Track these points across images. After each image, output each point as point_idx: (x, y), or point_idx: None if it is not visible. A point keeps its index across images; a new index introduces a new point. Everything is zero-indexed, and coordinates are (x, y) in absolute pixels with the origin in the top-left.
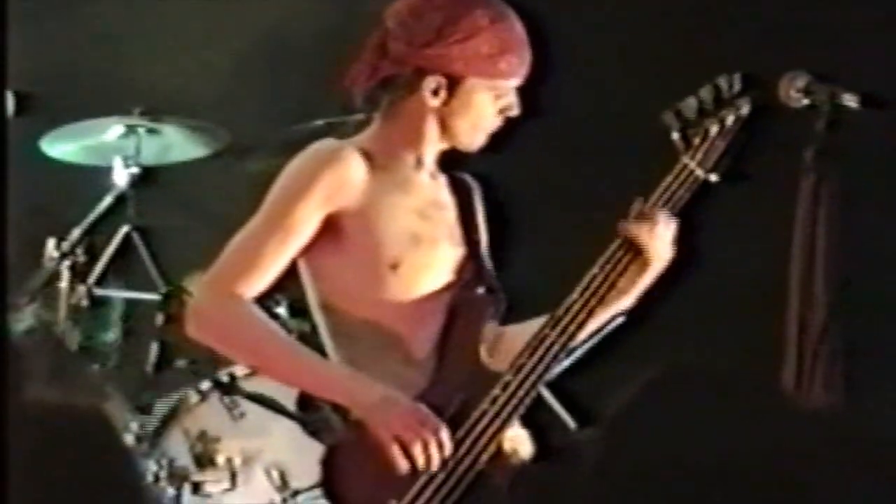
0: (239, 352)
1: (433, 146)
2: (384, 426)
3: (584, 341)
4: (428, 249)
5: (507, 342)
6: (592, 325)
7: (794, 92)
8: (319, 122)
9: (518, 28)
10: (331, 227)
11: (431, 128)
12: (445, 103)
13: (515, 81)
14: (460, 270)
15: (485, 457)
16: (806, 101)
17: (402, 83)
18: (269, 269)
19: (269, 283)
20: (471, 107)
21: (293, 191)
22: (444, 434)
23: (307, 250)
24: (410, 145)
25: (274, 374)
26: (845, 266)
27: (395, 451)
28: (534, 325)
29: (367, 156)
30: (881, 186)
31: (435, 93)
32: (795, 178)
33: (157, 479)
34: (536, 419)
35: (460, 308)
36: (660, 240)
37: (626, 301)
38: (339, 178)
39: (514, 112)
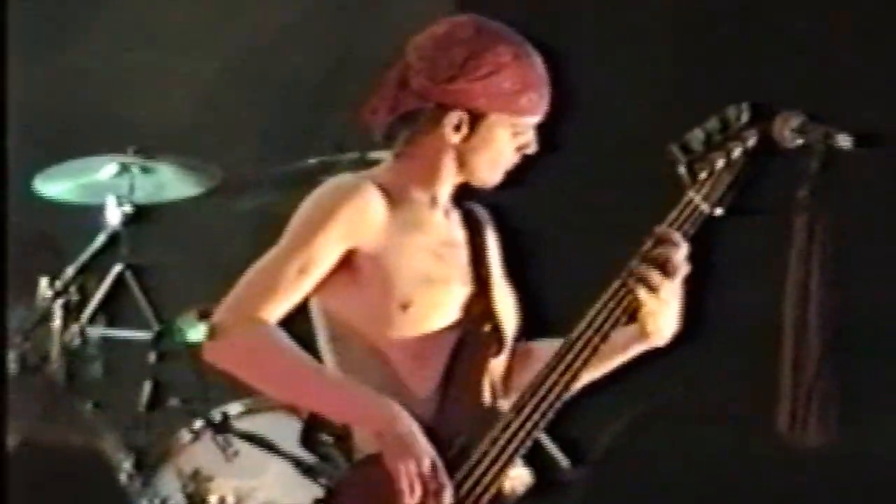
0: (259, 377)
1: (450, 183)
2: (399, 462)
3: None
4: (440, 290)
5: (525, 359)
6: (601, 366)
7: (788, 132)
8: (313, 161)
9: (539, 65)
10: (345, 265)
11: (449, 164)
12: (466, 139)
13: (535, 118)
14: (469, 309)
15: (486, 498)
16: (800, 141)
17: (424, 118)
18: (289, 297)
19: (288, 310)
20: (491, 143)
21: (314, 222)
22: (448, 488)
23: (319, 288)
24: (427, 182)
25: (298, 399)
26: (839, 305)
27: (404, 487)
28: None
29: (385, 192)
30: (874, 226)
31: (457, 128)
32: (789, 216)
33: None
34: (529, 457)
35: (466, 345)
36: (667, 312)
37: (654, 341)
38: (359, 213)
39: (532, 150)
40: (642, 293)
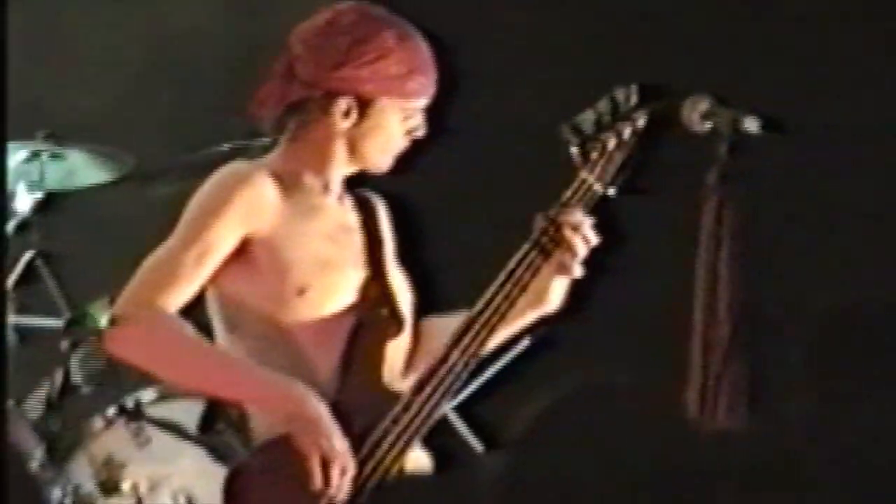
0: (161, 364)
1: (341, 169)
2: (311, 442)
3: (491, 363)
4: (335, 274)
5: (422, 340)
6: (495, 342)
7: (696, 116)
8: (225, 147)
9: (425, 48)
10: (240, 251)
11: (340, 151)
12: (355, 125)
13: (424, 101)
14: (364, 292)
15: (388, 477)
16: (708, 125)
17: (313, 106)
18: (188, 285)
19: (188, 299)
20: (381, 128)
21: (209, 209)
22: (349, 458)
23: (216, 275)
24: (319, 169)
25: (204, 385)
26: (748, 287)
27: (315, 467)
28: (446, 321)
29: (277, 179)
30: (782, 209)
31: (346, 115)
32: (697, 198)
33: None
34: (443, 442)
35: (364, 329)
36: (575, 254)
37: (545, 307)
38: (252, 199)
39: (421, 133)
40: (548, 259)
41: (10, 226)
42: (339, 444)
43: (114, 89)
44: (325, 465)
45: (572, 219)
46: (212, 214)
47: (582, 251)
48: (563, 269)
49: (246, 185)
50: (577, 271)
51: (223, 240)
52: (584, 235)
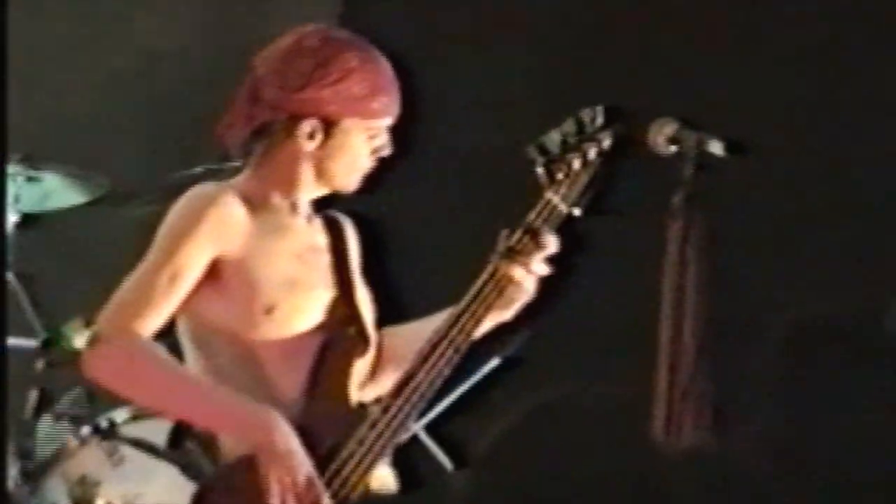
0: (137, 389)
1: (308, 190)
2: (274, 476)
3: (460, 381)
4: (303, 293)
5: (389, 357)
6: (458, 359)
7: (662, 138)
8: (199, 169)
9: (387, 69)
10: (209, 272)
11: (307, 172)
12: (321, 147)
13: (388, 121)
14: (332, 312)
15: (353, 497)
16: (674, 148)
17: (278, 129)
18: (163, 308)
19: (163, 321)
20: (346, 148)
21: (179, 232)
22: (315, 477)
23: (188, 301)
24: (286, 190)
25: (175, 411)
26: (713, 307)
27: (279, 486)
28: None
29: (246, 200)
30: (746, 230)
31: (311, 136)
32: (663, 219)
33: None
34: (412, 460)
35: (331, 348)
36: (533, 274)
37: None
38: (220, 219)
39: (387, 152)
40: (516, 273)
41: None
42: (303, 478)
43: (88, 110)
44: (291, 485)
45: (531, 236)
46: (182, 236)
47: (532, 269)
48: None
49: (214, 206)
50: (531, 281)
51: (194, 261)
52: (536, 246)
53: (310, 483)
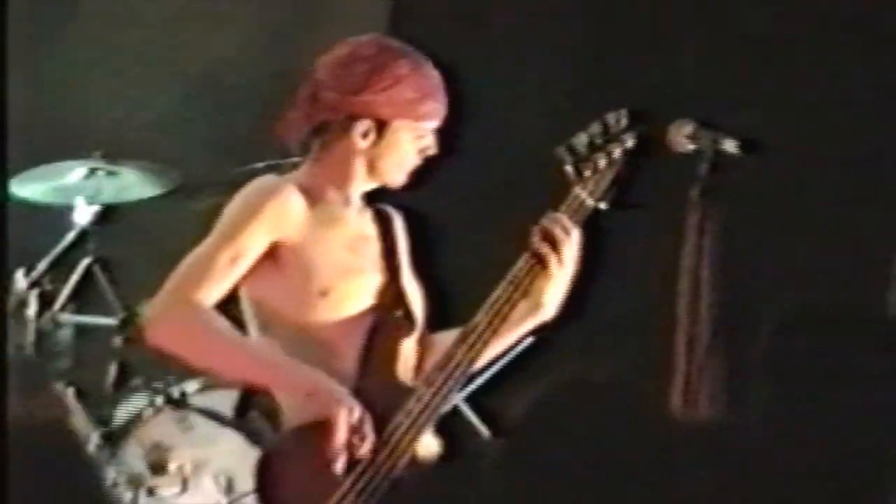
0: (197, 353)
1: (360, 185)
2: (332, 410)
3: (499, 359)
4: (354, 278)
5: (435, 347)
6: (500, 342)
7: (681, 138)
8: (260, 165)
9: (435, 76)
10: (270, 257)
11: (359, 168)
12: (373, 145)
13: (434, 123)
14: (381, 295)
15: (401, 463)
16: (692, 147)
17: (335, 128)
18: (221, 282)
19: (221, 295)
20: (395, 147)
21: (241, 217)
22: (370, 429)
23: (248, 279)
24: (340, 184)
25: (234, 372)
26: (727, 291)
27: (339, 449)
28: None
29: (304, 192)
30: (757, 222)
31: (364, 135)
32: (682, 212)
33: (115, 484)
34: (455, 428)
35: (380, 329)
36: (568, 251)
37: (542, 315)
38: (281, 209)
39: (433, 151)
40: (545, 266)
41: (71, 235)
42: (357, 411)
43: (162, 112)
44: (348, 449)
45: (557, 222)
46: (243, 222)
47: (562, 256)
48: (543, 261)
49: (274, 197)
50: (555, 267)
51: (253, 245)
52: (566, 235)
53: (362, 419)
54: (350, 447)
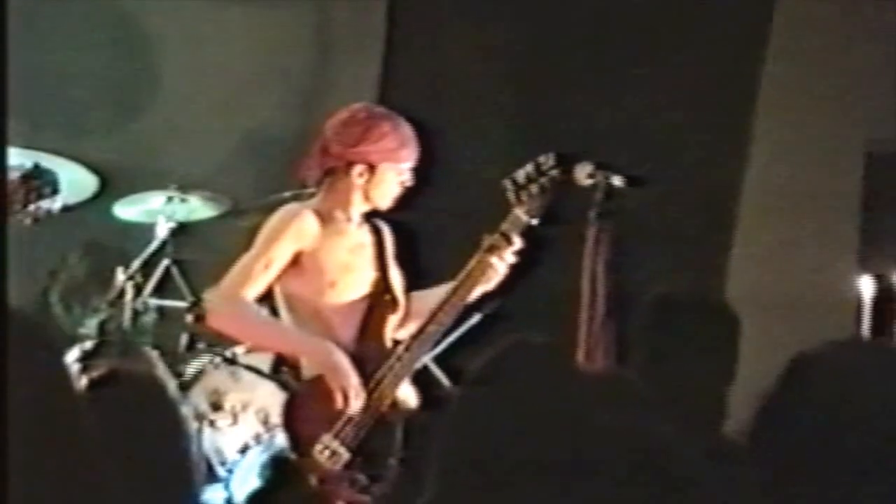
0: (243, 334)
1: (358, 208)
2: (334, 378)
3: (456, 328)
4: (354, 274)
5: (410, 315)
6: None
7: (583, 175)
8: (287, 194)
9: (409, 130)
10: (294, 261)
11: (357, 197)
12: (367, 181)
13: (410, 164)
14: (374, 285)
15: (385, 403)
16: (591, 181)
17: (339, 170)
18: (259, 283)
19: (260, 291)
20: (382, 182)
21: (273, 234)
22: (360, 389)
23: (280, 277)
24: (344, 208)
25: (269, 346)
26: (614, 282)
27: (339, 394)
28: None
29: (317, 214)
30: (635, 235)
31: (360, 175)
32: (585, 227)
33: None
34: (426, 380)
35: (373, 309)
36: (504, 262)
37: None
38: (301, 227)
39: (410, 183)
40: (494, 261)
41: (154, 244)
42: (354, 380)
43: (219, 155)
44: (345, 394)
45: (503, 236)
46: (274, 238)
47: (504, 258)
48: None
49: (296, 219)
50: (503, 266)
51: (282, 254)
52: (507, 243)
53: (356, 384)
54: (346, 402)
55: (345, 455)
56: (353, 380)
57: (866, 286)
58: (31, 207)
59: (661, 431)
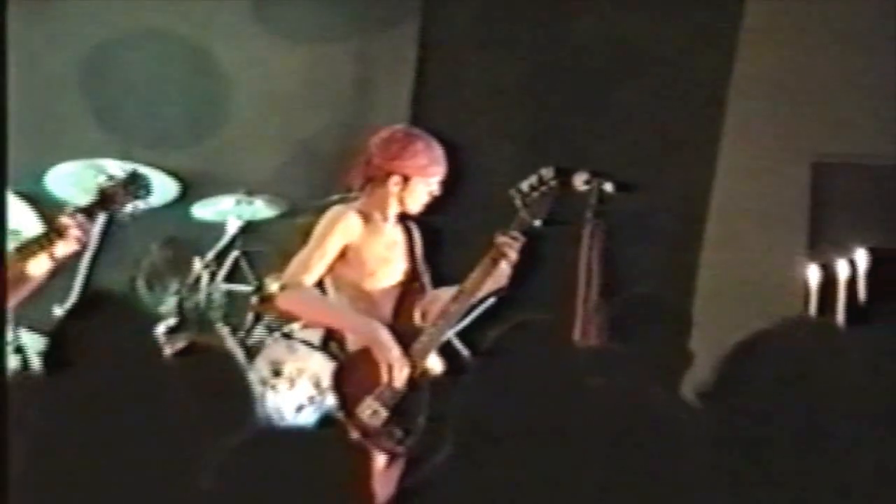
0: (303, 313)
1: (393, 211)
2: (381, 351)
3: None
4: (390, 265)
5: (435, 300)
6: (474, 300)
7: (580, 182)
8: (335, 197)
9: (438, 149)
10: (342, 254)
11: (393, 202)
12: (401, 190)
13: (438, 178)
14: (405, 275)
15: (417, 371)
16: (586, 187)
17: (379, 180)
18: (316, 271)
19: (316, 279)
20: (414, 192)
21: (325, 231)
22: (404, 361)
23: (331, 266)
24: (382, 211)
25: (326, 323)
26: (606, 273)
27: (385, 365)
28: (447, 291)
29: (361, 215)
30: (623, 234)
31: (396, 184)
32: (581, 226)
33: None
34: (450, 352)
35: (404, 294)
36: (515, 250)
37: (500, 284)
38: (347, 226)
39: (437, 193)
40: (502, 258)
41: (225, 239)
42: (396, 352)
43: (279, 165)
44: (390, 365)
45: (511, 236)
46: (326, 234)
47: (513, 253)
48: (506, 258)
49: (343, 219)
50: (512, 259)
51: (332, 248)
52: (515, 241)
53: (398, 357)
54: (389, 364)
55: (384, 413)
56: (396, 352)
57: (813, 274)
58: (129, 207)
59: (650, 392)
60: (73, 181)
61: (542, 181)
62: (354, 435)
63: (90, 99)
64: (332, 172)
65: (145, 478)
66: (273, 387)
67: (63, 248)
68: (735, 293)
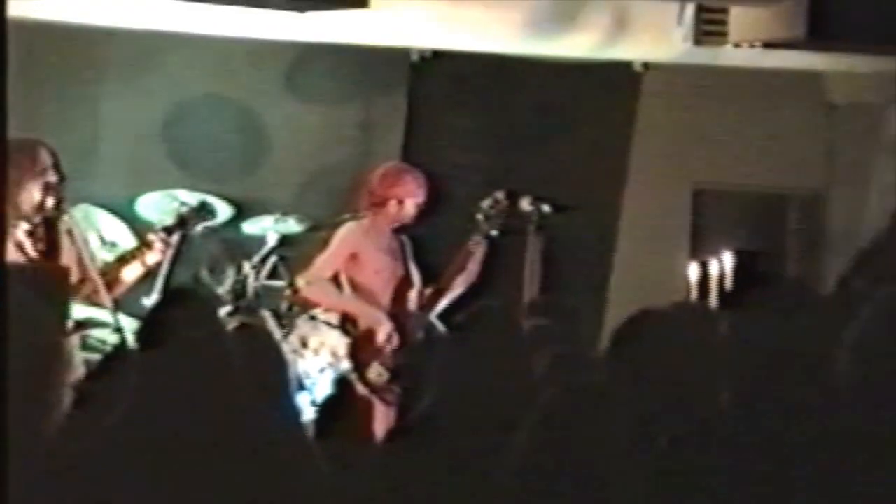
0: (325, 302)
1: (391, 224)
2: (380, 331)
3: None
4: (389, 266)
5: (422, 291)
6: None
7: (525, 204)
8: (347, 216)
9: (423, 178)
10: (351, 258)
11: (392, 218)
12: (397, 211)
13: (423, 199)
14: (401, 272)
15: (409, 343)
16: (530, 207)
17: (379, 202)
18: (331, 270)
19: (330, 276)
20: (407, 210)
21: (340, 242)
22: (396, 336)
23: (343, 268)
24: (382, 225)
25: (338, 309)
26: (544, 270)
27: (384, 338)
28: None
29: (367, 229)
30: (559, 244)
31: (392, 206)
32: (525, 237)
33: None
34: (431, 329)
35: (399, 288)
36: (479, 257)
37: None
38: (355, 237)
39: (423, 208)
40: (470, 259)
41: (266, 248)
42: (389, 327)
43: (304, 193)
44: (388, 340)
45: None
46: (341, 244)
47: (478, 255)
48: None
49: (352, 232)
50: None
51: (344, 254)
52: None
53: (391, 330)
54: (388, 341)
55: (386, 375)
56: (389, 327)
57: (693, 272)
58: (200, 228)
59: (585, 356)
60: (156, 207)
61: (497, 202)
62: (363, 391)
63: (169, 144)
64: (345, 198)
65: (213, 422)
66: (302, 355)
67: (151, 258)
68: (636, 285)
